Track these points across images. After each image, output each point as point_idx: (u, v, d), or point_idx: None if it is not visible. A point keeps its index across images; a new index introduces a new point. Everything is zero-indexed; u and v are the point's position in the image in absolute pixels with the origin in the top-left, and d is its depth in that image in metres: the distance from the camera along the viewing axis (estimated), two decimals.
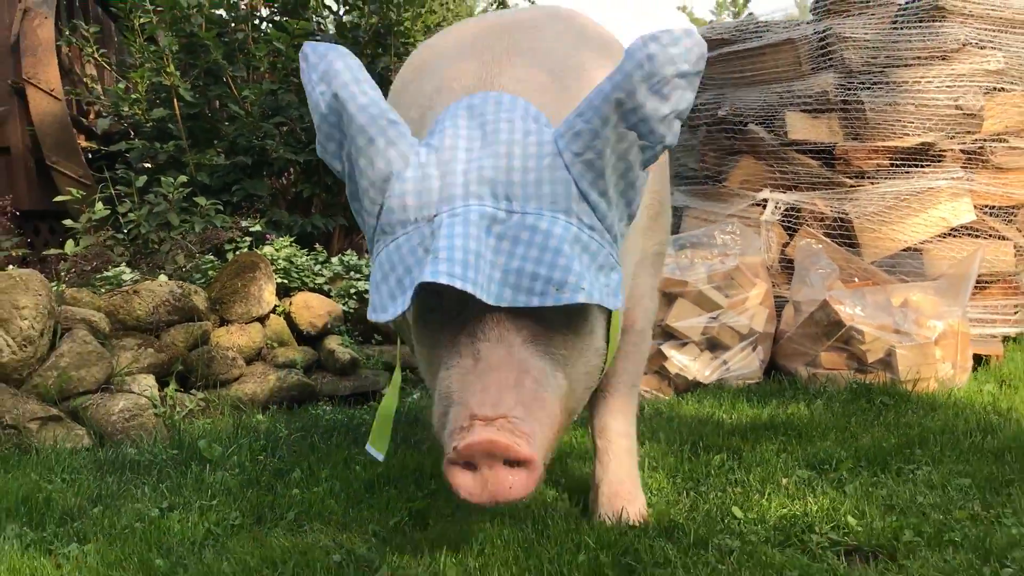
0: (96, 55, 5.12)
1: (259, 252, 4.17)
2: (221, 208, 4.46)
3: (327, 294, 4.33)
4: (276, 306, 4.05)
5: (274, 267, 4.12)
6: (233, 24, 5.18)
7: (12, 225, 4.25)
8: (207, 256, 4.13)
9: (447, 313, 1.45)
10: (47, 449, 2.77)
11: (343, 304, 4.28)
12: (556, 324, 1.47)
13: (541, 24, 1.98)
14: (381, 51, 5.38)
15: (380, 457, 1.73)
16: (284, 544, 1.88)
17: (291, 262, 4.30)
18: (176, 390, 3.39)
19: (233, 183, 4.92)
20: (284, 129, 5.08)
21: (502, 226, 1.41)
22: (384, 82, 4.92)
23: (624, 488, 2.04)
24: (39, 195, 5.04)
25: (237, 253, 4.20)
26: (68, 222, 4.12)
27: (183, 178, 4.30)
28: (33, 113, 4.82)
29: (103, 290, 3.70)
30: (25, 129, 5.04)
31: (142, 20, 4.91)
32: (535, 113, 1.54)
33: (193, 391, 3.49)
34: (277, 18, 5.40)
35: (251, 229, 4.53)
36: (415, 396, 3.73)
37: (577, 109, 1.48)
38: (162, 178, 4.26)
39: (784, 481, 2.25)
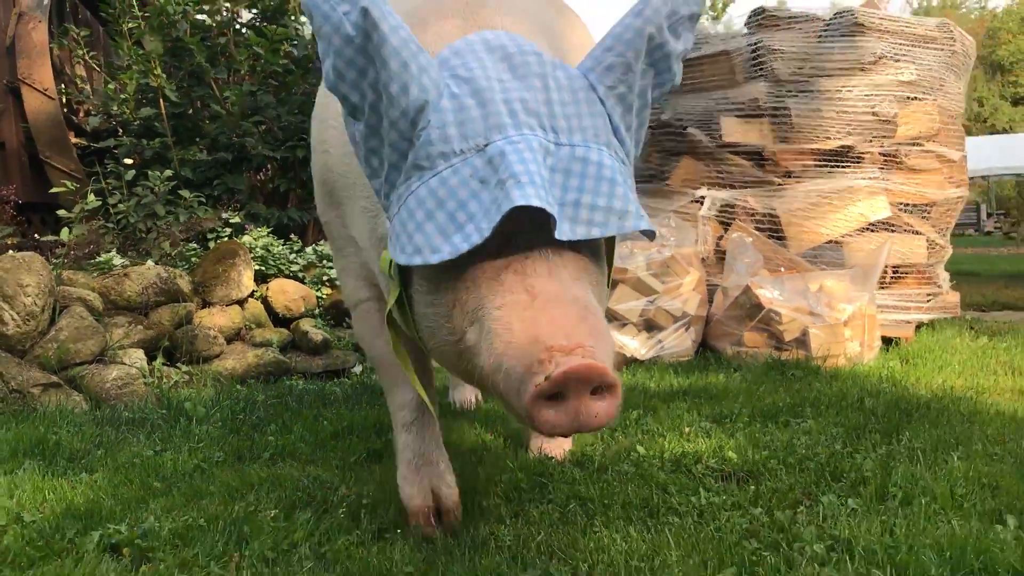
0: (86, 57, 5.47)
1: (239, 241, 4.54)
2: (204, 201, 4.82)
3: (302, 281, 4.70)
4: (254, 291, 4.42)
5: (252, 255, 4.49)
6: (216, 29, 5.54)
7: (15, 213, 4.58)
8: (191, 244, 4.49)
9: (485, 251, 1.34)
10: (52, 410, 3.12)
11: (316, 290, 4.66)
12: (587, 257, 1.44)
13: None
14: None
15: None
16: (261, 473, 2.27)
17: (268, 250, 4.66)
18: (163, 364, 3.76)
19: (214, 178, 5.29)
20: (262, 128, 5.44)
21: (554, 158, 1.37)
22: None
23: None
24: (32, 188, 5.38)
25: (218, 241, 4.57)
26: (62, 212, 4.47)
27: (168, 172, 4.66)
28: (28, 111, 5.16)
29: (96, 274, 4.05)
30: (19, 126, 5.38)
31: (130, 25, 5.28)
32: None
33: (178, 365, 3.85)
34: (257, 24, 5.75)
35: (231, 220, 4.91)
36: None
37: (603, 44, 1.47)
38: (149, 172, 4.62)
39: (687, 430, 2.66)
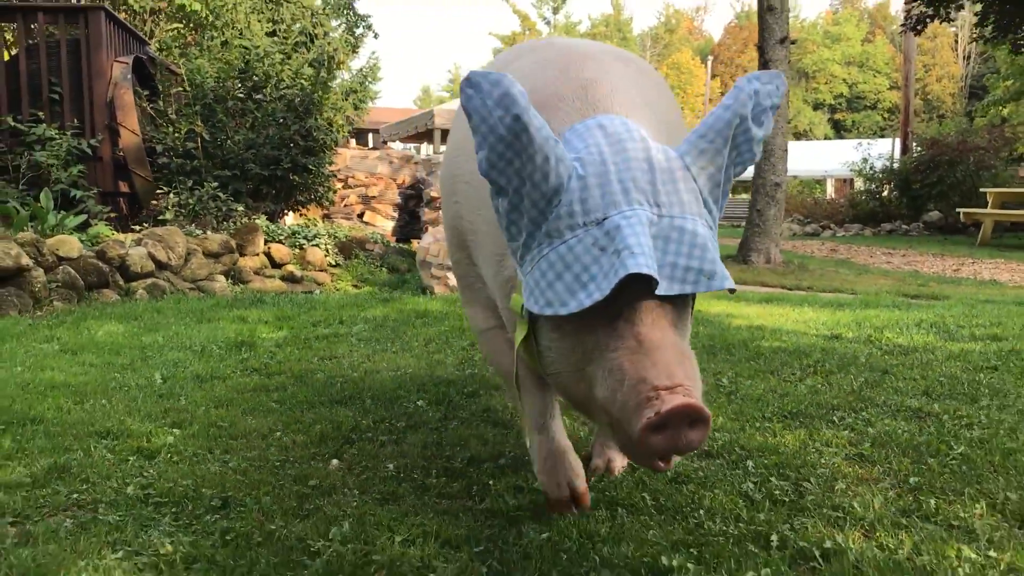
0: (150, 109, 9.28)
1: (255, 222, 8.55)
2: (233, 199, 8.79)
3: (284, 244, 8.77)
4: (264, 249, 8.46)
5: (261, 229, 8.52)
6: (227, 95, 9.45)
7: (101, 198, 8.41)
8: (229, 223, 8.49)
9: (602, 302, 1.57)
10: (201, 298, 7.10)
11: (293, 250, 8.74)
12: (681, 310, 1.71)
13: (634, 71, 2.21)
14: (306, 114, 9.74)
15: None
16: (323, 311, 6.37)
17: (267, 226, 8.69)
18: (232, 284, 7.77)
19: (227, 184, 9.22)
20: (256, 156, 9.38)
21: (656, 228, 1.62)
22: (309, 136, 9.38)
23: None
24: (113, 184, 9.12)
25: (243, 222, 8.56)
26: (155, 203, 8.35)
27: (214, 184, 8.60)
28: (122, 143, 8.83)
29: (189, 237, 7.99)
30: (111, 148, 9.08)
31: (173, 90, 9.14)
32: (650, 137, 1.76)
33: (236, 284, 7.86)
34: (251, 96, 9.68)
35: (239, 209, 8.88)
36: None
37: (698, 132, 1.74)
38: (205, 183, 8.56)
39: None
